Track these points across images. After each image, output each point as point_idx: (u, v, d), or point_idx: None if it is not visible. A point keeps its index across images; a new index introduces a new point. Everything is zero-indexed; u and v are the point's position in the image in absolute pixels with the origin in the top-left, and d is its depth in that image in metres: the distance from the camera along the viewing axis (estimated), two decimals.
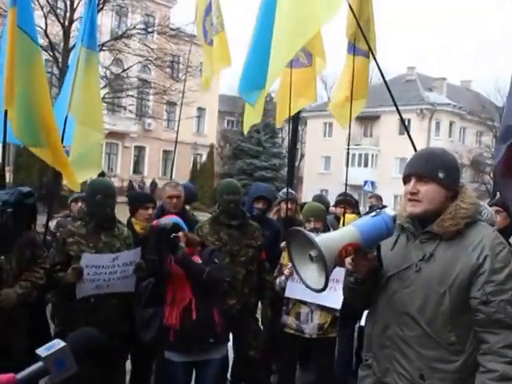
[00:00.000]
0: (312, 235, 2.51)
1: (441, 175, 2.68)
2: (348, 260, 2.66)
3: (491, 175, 33.42)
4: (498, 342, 2.48)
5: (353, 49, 6.43)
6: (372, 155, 46.74)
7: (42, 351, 1.62)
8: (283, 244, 4.81)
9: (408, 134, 6.38)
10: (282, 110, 7.03)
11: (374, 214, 2.64)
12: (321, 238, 2.54)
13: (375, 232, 2.59)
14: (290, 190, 6.63)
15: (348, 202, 7.08)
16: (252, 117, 7.00)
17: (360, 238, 2.54)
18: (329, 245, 2.49)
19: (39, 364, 1.60)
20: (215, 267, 4.35)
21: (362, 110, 7.00)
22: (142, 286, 4.42)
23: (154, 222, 4.41)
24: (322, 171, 49.26)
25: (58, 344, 1.65)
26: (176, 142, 8.98)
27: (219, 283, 4.49)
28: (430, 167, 2.71)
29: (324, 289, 2.59)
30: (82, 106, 5.78)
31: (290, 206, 6.23)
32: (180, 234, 4.29)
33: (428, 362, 2.62)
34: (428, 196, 2.69)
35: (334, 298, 4.63)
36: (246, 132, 7.75)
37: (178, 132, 8.57)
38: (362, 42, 6.28)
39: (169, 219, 4.34)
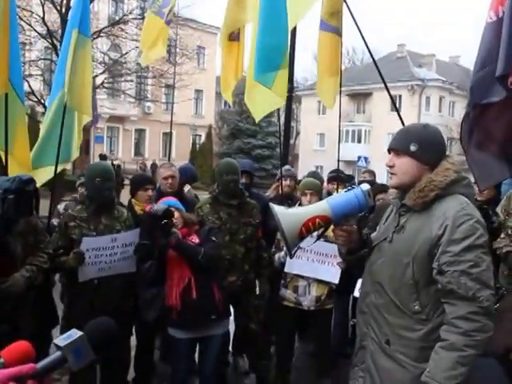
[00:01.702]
0: (276, 208, 2.71)
1: (412, 148, 2.69)
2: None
3: None
4: (452, 312, 2.47)
5: (324, 26, 6.25)
6: (365, 131, 46.85)
7: (59, 341, 1.60)
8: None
9: (397, 110, 6.32)
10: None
11: (348, 189, 2.77)
12: (285, 210, 2.75)
13: (345, 206, 2.69)
14: (288, 167, 6.80)
15: (340, 179, 7.01)
16: (269, 102, 6.16)
17: (329, 211, 2.67)
18: (291, 216, 2.70)
19: (57, 353, 1.58)
20: (211, 246, 4.37)
21: (337, 87, 6.58)
22: (145, 267, 4.39)
23: (147, 208, 4.41)
24: (316, 148, 49.27)
25: (75, 334, 1.62)
26: (171, 123, 8.98)
27: (216, 261, 4.50)
28: (403, 141, 2.76)
29: (290, 256, 2.84)
30: (77, 90, 5.58)
31: (288, 182, 6.38)
32: (176, 215, 4.32)
33: (394, 329, 2.67)
34: (402, 169, 2.74)
35: (332, 272, 4.81)
36: (257, 120, 6.53)
37: (172, 113, 8.73)
38: (334, 19, 6.13)
39: (162, 204, 4.35)
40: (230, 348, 6.00)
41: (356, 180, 9.98)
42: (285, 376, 5.20)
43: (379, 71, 5.72)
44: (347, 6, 5.70)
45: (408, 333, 2.63)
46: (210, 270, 4.37)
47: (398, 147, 2.78)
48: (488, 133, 4.58)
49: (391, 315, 2.70)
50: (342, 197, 2.76)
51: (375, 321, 2.80)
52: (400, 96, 43.40)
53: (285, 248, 4.66)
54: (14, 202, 3.83)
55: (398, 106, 40.75)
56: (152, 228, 4.21)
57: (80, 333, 1.63)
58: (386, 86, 6.01)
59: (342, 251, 3.05)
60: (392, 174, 2.80)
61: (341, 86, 6.30)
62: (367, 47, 6.02)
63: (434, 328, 2.56)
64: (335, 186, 6.80)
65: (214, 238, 4.50)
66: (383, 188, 5.98)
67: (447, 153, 2.80)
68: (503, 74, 4.14)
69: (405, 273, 2.63)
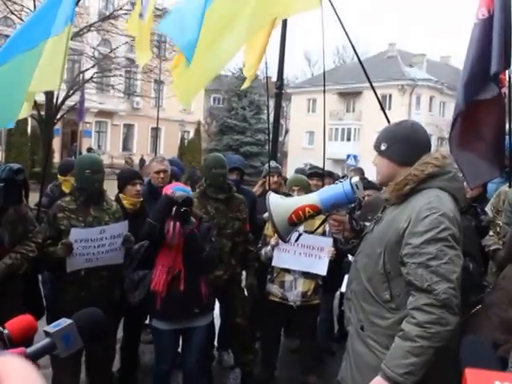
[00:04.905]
0: (272, 196, 2.90)
1: (383, 147, 2.82)
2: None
3: None
4: (410, 303, 2.53)
5: None
6: (354, 130, 47.00)
7: (49, 328, 1.64)
8: (265, 215, 4.58)
9: (383, 111, 6.07)
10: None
11: (338, 181, 2.93)
12: (278, 199, 2.92)
13: (334, 196, 2.83)
14: (274, 164, 6.73)
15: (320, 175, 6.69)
16: (192, 85, 5.68)
17: (319, 201, 2.82)
18: (282, 204, 2.88)
19: (47, 340, 1.63)
20: (212, 247, 4.44)
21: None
22: (134, 249, 4.45)
23: (169, 192, 4.35)
24: (306, 146, 49.30)
25: (64, 322, 1.66)
26: (158, 118, 9.03)
27: (214, 262, 4.60)
28: (377, 142, 2.89)
29: (283, 240, 3.03)
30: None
31: (276, 179, 6.35)
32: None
33: (367, 316, 2.77)
34: (379, 168, 2.88)
35: (320, 265, 4.82)
36: (185, 106, 6.16)
37: (158, 109, 8.73)
38: None
39: (178, 190, 4.34)
40: (216, 342, 6.02)
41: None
42: (270, 372, 5.21)
43: (365, 72, 5.65)
44: (331, 3, 5.47)
45: (379, 320, 2.71)
46: (203, 265, 4.41)
47: (374, 148, 2.90)
48: (477, 132, 4.62)
49: (365, 302, 2.79)
50: (331, 189, 2.91)
51: (354, 307, 2.90)
52: (390, 95, 43.67)
53: (272, 242, 4.84)
54: (3, 191, 3.88)
55: (388, 105, 41.34)
56: (168, 212, 4.24)
57: (69, 321, 1.67)
58: (372, 87, 5.86)
59: (341, 240, 3.19)
60: (377, 172, 2.94)
61: (324, 85, 6.27)
62: (353, 48, 5.99)
63: (403, 318, 2.59)
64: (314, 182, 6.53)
65: (213, 239, 4.55)
66: (371, 184, 5.99)
67: (436, 148, 2.85)
68: (497, 72, 4.21)
69: (377, 262, 2.72)
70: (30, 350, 1.57)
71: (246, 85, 6.75)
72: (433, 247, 2.50)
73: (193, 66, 5.08)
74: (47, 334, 1.63)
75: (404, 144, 2.77)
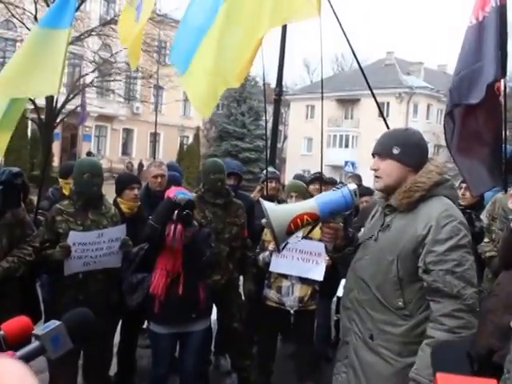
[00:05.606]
0: (266, 204, 2.82)
1: (395, 151, 2.77)
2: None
3: None
4: (438, 310, 2.54)
5: None
6: (352, 137, 47.08)
7: (38, 330, 1.63)
8: (263, 220, 4.40)
9: (384, 118, 6.13)
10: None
11: (335, 188, 2.88)
12: (274, 207, 2.89)
13: (332, 204, 2.78)
14: (273, 170, 6.79)
15: (323, 180, 6.69)
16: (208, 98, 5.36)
17: (317, 208, 2.77)
18: (280, 212, 2.82)
19: (36, 343, 1.61)
20: (212, 253, 4.46)
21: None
22: (133, 251, 4.45)
23: (171, 195, 4.35)
24: (304, 152, 49.35)
25: (53, 323, 1.66)
26: (156, 123, 9.06)
27: (213, 267, 4.68)
28: (385, 145, 2.84)
29: (279, 251, 3.03)
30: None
31: (274, 185, 6.35)
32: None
33: (377, 324, 2.74)
34: (386, 172, 2.81)
35: (317, 270, 4.80)
36: (206, 116, 6.00)
37: (156, 113, 8.79)
38: None
39: (180, 194, 4.32)
40: (213, 347, 6.01)
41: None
42: (266, 377, 5.18)
43: (366, 79, 5.65)
44: (333, 10, 5.41)
45: (391, 328, 2.70)
46: (202, 270, 4.43)
47: (381, 151, 2.86)
48: (476, 139, 4.65)
49: (375, 311, 2.77)
50: (329, 195, 2.85)
51: (359, 316, 2.86)
52: (388, 103, 43.69)
53: (270, 247, 4.80)
54: (2, 194, 3.90)
55: (385, 112, 41.35)
56: (170, 215, 4.24)
57: (58, 322, 1.67)
58: (372, 94, 5.96)
59: (328, 248, 3.14)
60: (377, 177, 2.87)
61: (322, 92, 6.20)
62: (354, 55, 5.90)
63: (416, 324, 2.63)
64: (317, 187, 6.59)
65: (212, 244, 4.56)
66: (368, 191, 6.02)
67: (430, 156, 2.88)
68: (494, 80, 4.25)
69: (389, 270, 2.71)
70: (19, 353, 1.57)
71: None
72: (456, 254, 2.56)
73: (207, 78, 5.15)
74: (36, 336, 1.63)
75: (416, 149, 2.83)
